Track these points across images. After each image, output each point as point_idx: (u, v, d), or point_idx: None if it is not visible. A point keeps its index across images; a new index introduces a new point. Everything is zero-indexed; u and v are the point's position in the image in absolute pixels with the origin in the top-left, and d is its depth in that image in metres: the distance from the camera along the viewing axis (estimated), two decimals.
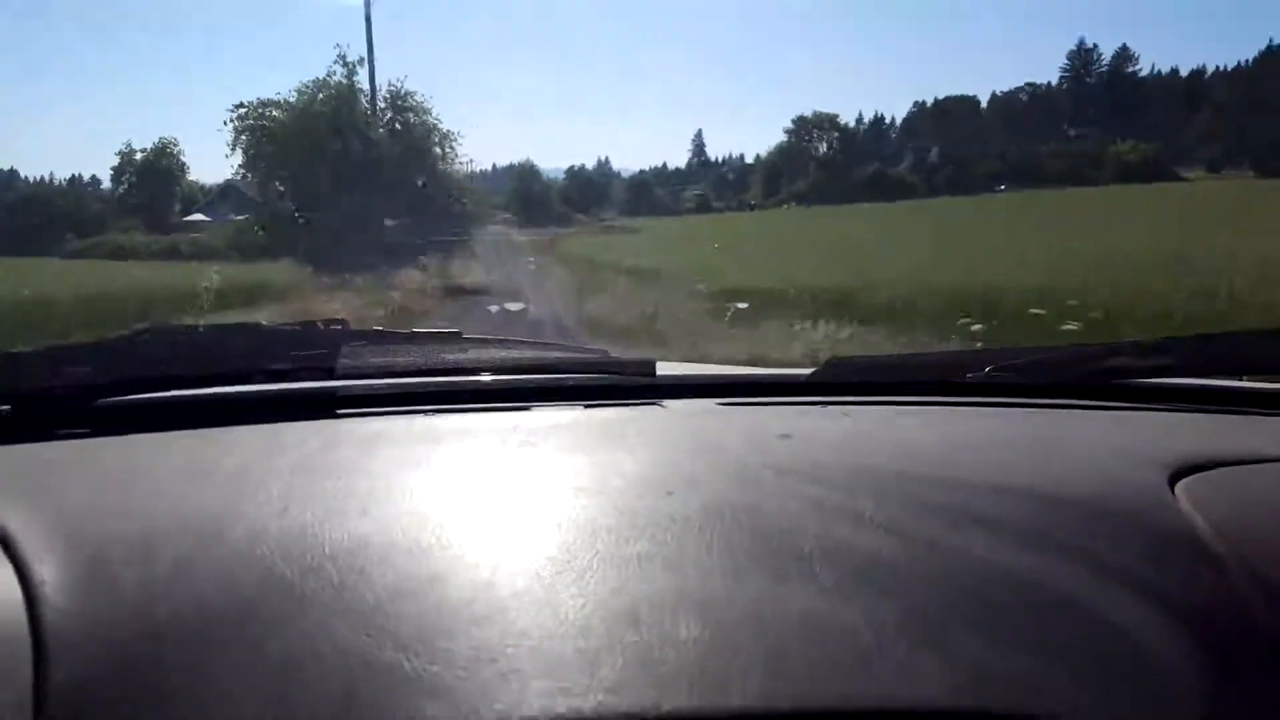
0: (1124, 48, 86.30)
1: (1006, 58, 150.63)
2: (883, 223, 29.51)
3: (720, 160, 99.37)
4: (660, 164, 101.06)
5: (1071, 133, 76.67)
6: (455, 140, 29.58)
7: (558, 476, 0.75)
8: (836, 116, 72.76)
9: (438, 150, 29.44)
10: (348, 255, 20.29)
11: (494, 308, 12.60)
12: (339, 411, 0.94)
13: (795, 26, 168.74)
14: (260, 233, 25.65)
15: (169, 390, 0.91)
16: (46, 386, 0.89)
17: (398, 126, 29.08)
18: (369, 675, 0.49)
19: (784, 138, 73.97)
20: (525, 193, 73.39)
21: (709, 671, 0.49)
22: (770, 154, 75.52)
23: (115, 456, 0.81)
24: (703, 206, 70.88)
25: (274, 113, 27.30)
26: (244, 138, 27.40)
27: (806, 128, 72.17)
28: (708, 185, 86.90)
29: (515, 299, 12.78)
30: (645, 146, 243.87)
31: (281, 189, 27.71)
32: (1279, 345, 1.06)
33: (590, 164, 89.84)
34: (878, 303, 9.46)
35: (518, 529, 0.64)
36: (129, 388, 0.90)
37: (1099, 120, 75.84)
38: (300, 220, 24.77)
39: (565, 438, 0.87)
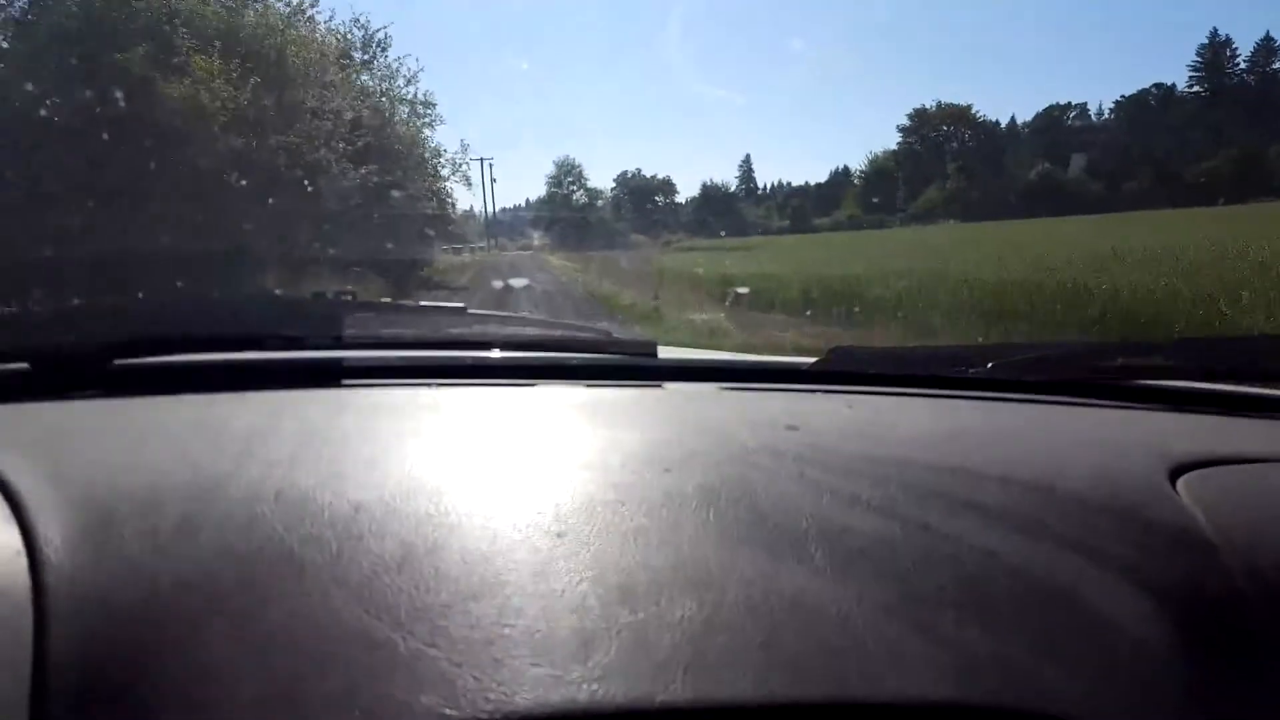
0: (1267, 37, 69.94)
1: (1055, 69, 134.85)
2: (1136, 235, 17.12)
3: (768, 187, 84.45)
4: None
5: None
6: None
7: (557, 451, 0.76)
8: (970, 108, 56.68)
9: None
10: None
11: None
12: (344, 381, 0.95)
13: (848, 38, 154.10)
14: None
15: (183, 353, 0.94)
16: (64, 346, 0.92)
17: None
18: (364, 655, 0.48)
19: (899, 138, 57.89)
20: (564, 205, 57.58)
21: (703, 657, 0.49)
22: (877, 160, 59.41)
23: (126, 418, 0.83)
24: (798, 223, 54.76)
25: None
26: None
27: (931, 124, 55.98)
28: (778, 205, 71.68)
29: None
30: (687, 176, 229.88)
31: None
32: None
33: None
34: None
35: (515, 501, 0.64)
36: (144, 349, 0.93)
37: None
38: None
39: (566, 415, 0.89)
